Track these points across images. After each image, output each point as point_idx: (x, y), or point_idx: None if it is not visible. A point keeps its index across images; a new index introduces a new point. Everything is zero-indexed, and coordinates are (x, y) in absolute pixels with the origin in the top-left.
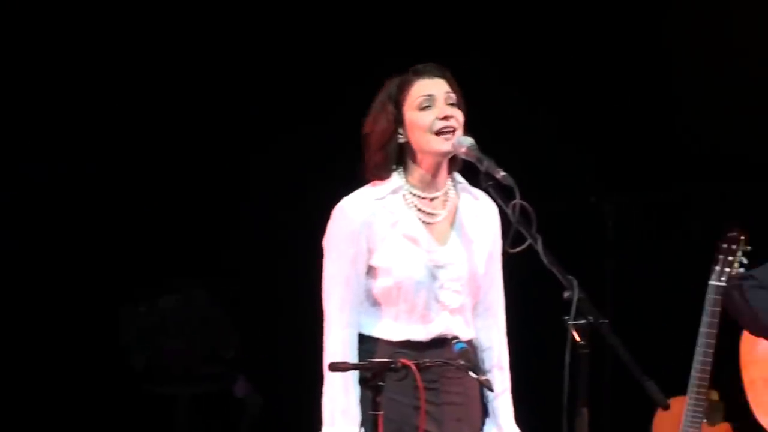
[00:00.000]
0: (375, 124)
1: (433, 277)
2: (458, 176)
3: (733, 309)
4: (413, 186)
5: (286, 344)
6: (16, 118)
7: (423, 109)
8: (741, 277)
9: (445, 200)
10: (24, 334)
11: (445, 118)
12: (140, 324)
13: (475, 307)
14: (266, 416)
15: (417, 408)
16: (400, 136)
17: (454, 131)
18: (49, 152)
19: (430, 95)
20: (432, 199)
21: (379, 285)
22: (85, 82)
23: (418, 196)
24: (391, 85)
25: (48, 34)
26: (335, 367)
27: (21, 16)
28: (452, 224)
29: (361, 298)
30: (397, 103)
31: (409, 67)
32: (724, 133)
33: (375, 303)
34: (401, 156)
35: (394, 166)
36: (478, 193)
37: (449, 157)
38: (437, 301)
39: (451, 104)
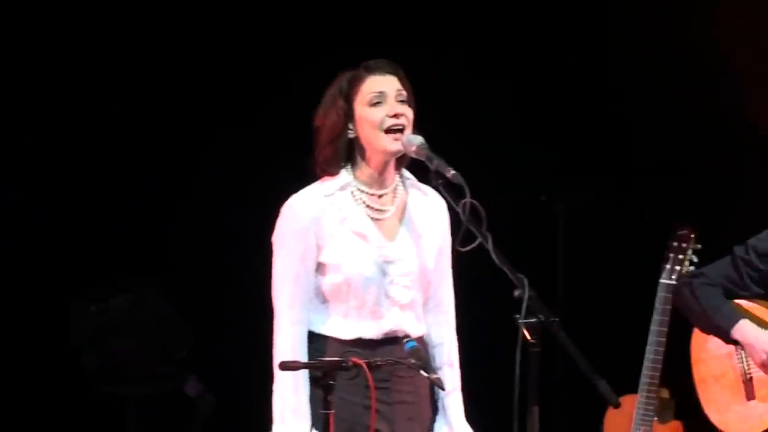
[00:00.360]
0: (325, 118)
1: (383, 272)
2: (406, 172)
3: (683, 307)
4: (362, 182)
5: (237, 343)
6: None
7: (373, 105)
8: (691, 275)
9: (394, 196)
10: None
11: (396, 115)
12: (92, 324)
13: (425, 303)
14: (218, 415)
15: (368, 407)
16: (350, 131)
17: (403, 129)
18: None
19: (381, 92)
20: (380, 196)
21: (328, 281)
22: (29, 83)
23: (367, 193)
24: (342, 80)
25: None
26: (286, 365)
27: None
28: (401, 220)
29: (311, 296)
30: (348, 98)
31: (360, 61)
32: (674, 134)
33: (324, 300)
34: (350, 152)
35: (343, 163)
36: (426, 188)
37: (399, 155)
38: (387, 296)
39: (402, 101)
